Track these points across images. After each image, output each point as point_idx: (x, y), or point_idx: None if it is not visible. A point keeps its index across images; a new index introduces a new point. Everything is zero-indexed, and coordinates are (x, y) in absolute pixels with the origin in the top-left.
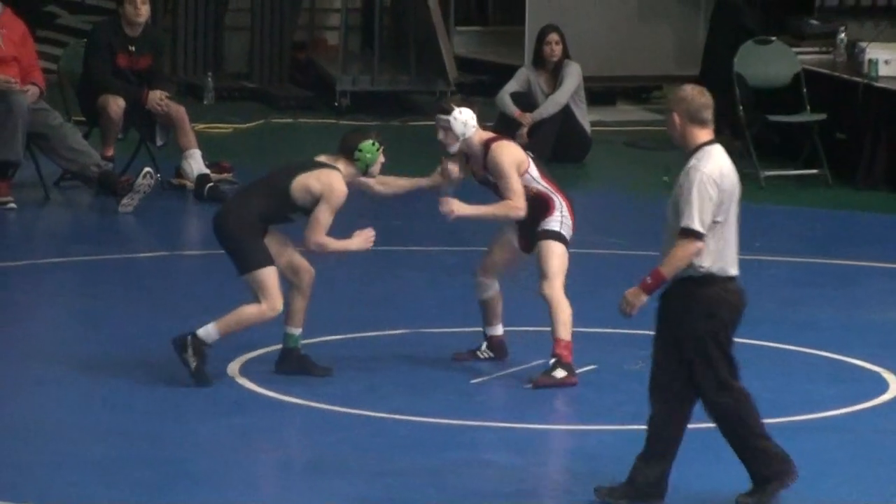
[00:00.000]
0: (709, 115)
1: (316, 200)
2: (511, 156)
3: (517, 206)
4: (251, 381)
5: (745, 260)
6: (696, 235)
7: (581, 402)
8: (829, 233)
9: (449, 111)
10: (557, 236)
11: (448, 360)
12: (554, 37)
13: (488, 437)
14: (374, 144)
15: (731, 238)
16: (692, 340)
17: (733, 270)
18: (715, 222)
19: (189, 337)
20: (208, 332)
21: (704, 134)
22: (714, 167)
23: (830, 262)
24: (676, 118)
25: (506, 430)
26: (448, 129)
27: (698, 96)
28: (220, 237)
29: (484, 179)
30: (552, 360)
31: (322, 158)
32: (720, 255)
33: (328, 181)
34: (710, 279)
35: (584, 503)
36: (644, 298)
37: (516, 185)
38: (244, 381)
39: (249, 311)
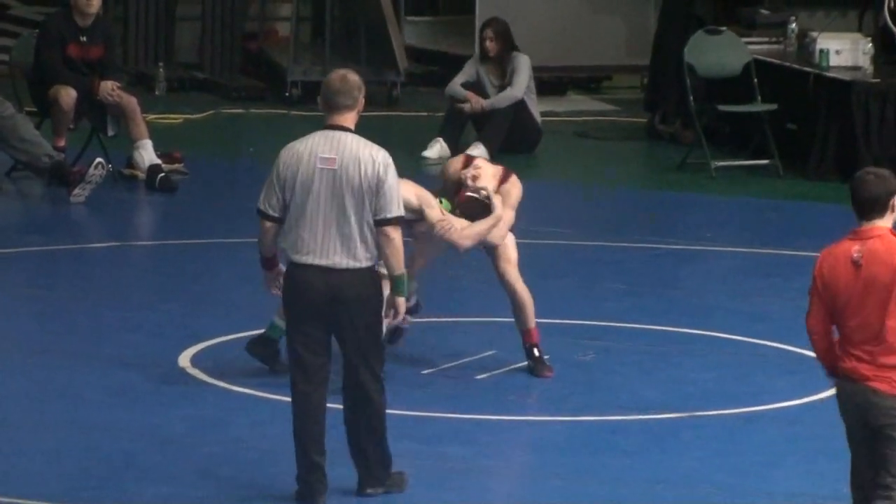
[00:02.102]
0: (342, 100)
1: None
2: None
3: (507, 218)
4: (202, 371)
5: (696, 250)
6: (258, 213)
7: (532, 393)
8: (779, 223)
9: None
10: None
11: (398, 351)
12: (488, 32)
13: (439, 428)
14: None
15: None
16: None
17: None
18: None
19: None
20: None
21: (328, 119)
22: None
23: (781, 253)
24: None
25: (456, 421)
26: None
27: (335, 81)
28: None
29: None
30: (535, 349)
31: None
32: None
33: (420, 193)
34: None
35: (534, 493)
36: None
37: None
38: (195, 372)
39: None
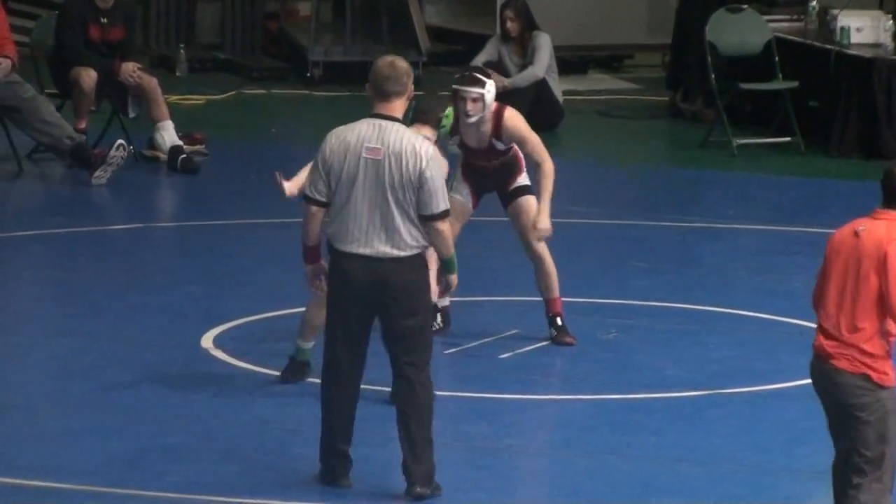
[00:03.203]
0: (391, 87)
1: None
2: (523, 119)
3: (550, 164)
4: (225, 352)
5: (718, 228)
6: (304, 198)
7: (555, 372)
8: (801, 200)
9: (483, 84)
10: (532, 191)
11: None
12: (509, 13)
13: (463, 408)
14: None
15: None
16: None
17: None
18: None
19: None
20: None
21: (377, 106)
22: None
23: (803, 230)
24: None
25: (481, 401)
26: (480, 100)
27: (385, 68)
28: None
29: (487, 145)
30: (558, 318)
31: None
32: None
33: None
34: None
35: (560, 472)
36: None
37: (541, 144)
38: (218, 353)
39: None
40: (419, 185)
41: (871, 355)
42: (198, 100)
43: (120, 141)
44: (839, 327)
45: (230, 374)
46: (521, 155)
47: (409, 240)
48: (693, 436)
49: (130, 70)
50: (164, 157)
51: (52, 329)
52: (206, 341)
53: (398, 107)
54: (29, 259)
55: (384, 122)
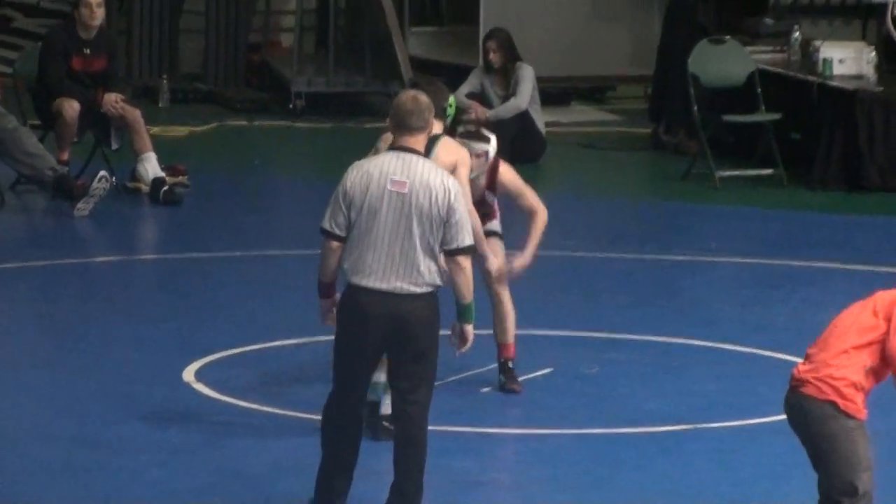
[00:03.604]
0: (414, 122)
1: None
2: (515, 172)
3: (545, 213)
4: (207, 385)
5: (701, 261)
6: (323, 233)
7: (537, 406)
8: (784, 233)
9: (489, 140)
10: (501, 237)
11: None
12: (492, 44)
13: (444, 442)
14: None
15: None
16: None
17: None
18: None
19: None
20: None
21: (399, 140)
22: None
23: (786, 263)
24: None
25: (462, 435)
26: (483, 156)
27: (407, 102)
28: None
29: (479, 198)
30: (510, 363)
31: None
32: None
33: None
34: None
35: None
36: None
37: (535, 194)
38: (200, 387)
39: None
40: (447, 218)
41: (841, 382)
42: (180, 131)
43: (102, 172)
44: (817, 356)
45: (211, 407)
46: (496, 204)
47: (427, 276)
48: (674, 470)
49: (113, 101)
50: (146, 188)
51: (32, 361)
52: (188, 374)
53: (421, 141)
54: (11, 291)
55: (408, 156)
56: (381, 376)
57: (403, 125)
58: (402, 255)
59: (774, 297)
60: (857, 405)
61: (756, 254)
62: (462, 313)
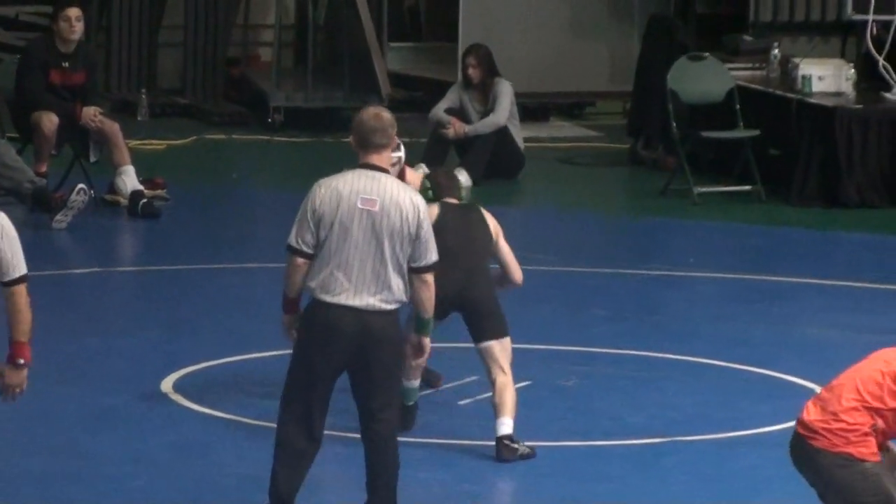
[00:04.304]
0: (378, 139)
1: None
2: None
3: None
4: (184, 397)
5: (678, 276)
6: (290, 250)
7: (516, 419)
8: (762, 249)
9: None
10: None
11: None
12: (471, 60)
13: (421, 454)
14: None
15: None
16: None
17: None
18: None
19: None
20: (507, 424)
21: (364, 157)
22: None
23: (763, 279)
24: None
25: (439, 447)
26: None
27: (370, 120)
28: (480, 299)
29: None
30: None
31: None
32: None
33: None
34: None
35: None
36: (284, 318)
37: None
38: (177, 398)
39: (511, 387)
40: (416, 236)
41: (853, 434)
42: (159, 145)
43: (81, 185)
44: (826, 401)
45: (190, 418)
46: None
47: (396, 293)
48: (652, 483)
49: (92, 114)
50: (124, 201)
51: None
52: (166, 385)
53: (385, 158)
54: None
55: (376, 174)
56: (414, 382)
57: (367, 143)
58: (373, 273)
59: (752, 311)
60: (870, 449)
61: (734, 269)
62: (423, 327)
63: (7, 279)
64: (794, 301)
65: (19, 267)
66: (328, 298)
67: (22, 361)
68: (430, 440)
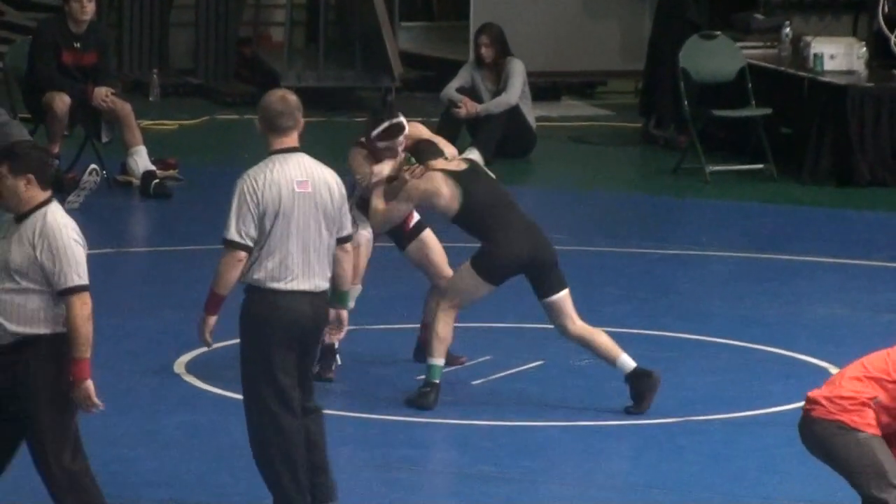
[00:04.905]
0: (286, 122)
1: None
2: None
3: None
4: (197, 377)
5: (691, 255)
6: (230, 245)
7: (528, 398)
8: (774, 228)
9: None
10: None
11: (393, 357)
12: (484, 39)
13: (436, 435)
14: None
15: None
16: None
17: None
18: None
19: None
20: (626, 360)
21: (278, 142)
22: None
23: (776, 258)
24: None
25: (453, 427)
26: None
27: (276, 103)
28: (549, 259)
29: None
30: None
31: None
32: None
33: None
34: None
35: (532, 498)
36: (209, 319)
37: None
38: (191, 379)
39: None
40: (341, 208)
41: (849, 401)
42: (171, 125)
43: (93, 166)
44: (836, 378)
45: (203, 399)
46: None
47: (330, 269)
48: (666, 463)
49: (103, 95)
50: (137, 182)
51: None
52: (179, 366)
53: (295, 138)
54: None
55: (298, 156)
56: (439, 360)
57: (276, 126)
58: (315, 254)
59: (765, 290)
60: (865, 420)
61: (746, 248)
62: (343, 300)
63: (57, 290)
64: (806, 279)
65: (68, 278)
66: (281, 286)
67: (72, 380)
68: (445, 420)
